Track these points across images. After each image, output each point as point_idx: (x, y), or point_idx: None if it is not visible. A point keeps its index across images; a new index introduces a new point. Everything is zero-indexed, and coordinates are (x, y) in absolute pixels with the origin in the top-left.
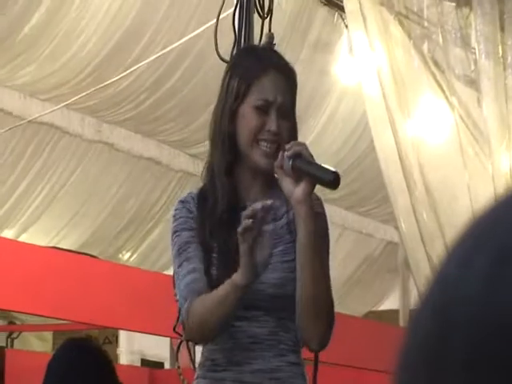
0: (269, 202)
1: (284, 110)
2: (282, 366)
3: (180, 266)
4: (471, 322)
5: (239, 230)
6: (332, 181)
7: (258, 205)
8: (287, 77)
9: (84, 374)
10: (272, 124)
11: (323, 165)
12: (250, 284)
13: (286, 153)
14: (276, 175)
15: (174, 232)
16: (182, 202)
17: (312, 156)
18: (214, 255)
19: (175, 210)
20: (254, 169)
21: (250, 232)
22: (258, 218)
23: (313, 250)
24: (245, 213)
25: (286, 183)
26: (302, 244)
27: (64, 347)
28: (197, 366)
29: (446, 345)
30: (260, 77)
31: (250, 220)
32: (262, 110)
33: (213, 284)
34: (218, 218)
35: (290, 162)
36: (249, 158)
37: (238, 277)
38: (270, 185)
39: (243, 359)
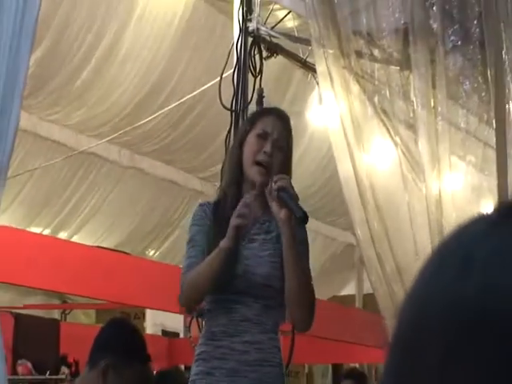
0: (247, 198)
1: (279, 144)
2: (264, 340)
3: (187, 250)
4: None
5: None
6: (301, 217)
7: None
8: (284, 122)
9: (123, 344)
10: (267, 147)
11: (299, 203)
12: (231, 247)
13: (273, 184)
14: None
15: (191, 225)
16: (200, 205)
17: (293, 187)
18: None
19: (195, 210)
20: (253, 185)
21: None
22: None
23: (293, 255)
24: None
25: (274, 207)
26: (286, 250)
27: (108, 324)
28: (200, 335)
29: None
30: (263, 116)
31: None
32: (262, 137)
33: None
34: (227, 222)
35: (276, 193)
36: (249, 176)
37: (222, 243)
38: (267, 205)
39: (236, 332)
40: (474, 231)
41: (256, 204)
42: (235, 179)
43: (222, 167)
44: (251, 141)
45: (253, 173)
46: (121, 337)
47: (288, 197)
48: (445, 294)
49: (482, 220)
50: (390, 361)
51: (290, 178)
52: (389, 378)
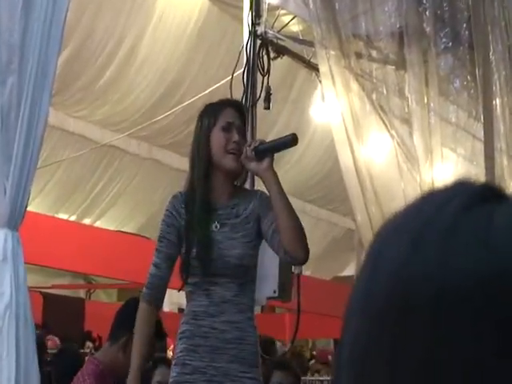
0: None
1: (240, 131)
2: (242, 320)
3: (156, 249)
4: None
5: None
6: (292, 139)
7: None
8: (240, 110)
9: None
10: (235, 137)
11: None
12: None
13: (248, 148)
14: (244, 164)
15: (162, 220)
16: (173, 197)
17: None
18: (194, 249)
19: (168, 202)
20: (226, 173)
21: None
22: None
23: (282, 195)
24: None
25: (252, 165)
26: (274, 193)
27: (127, 302)
28: (183, 315)
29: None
30: (222, 110)
31: None
32: (227, 129)
33: (194, 271)
34: (196, 214)
35: (253, 150)
36: (222, 166)
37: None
38: (234, 192)
39: (216, 312)
40: (443, 207)
41: (224, 191)
42: (205, 172)
43: (191, 161)
44: (218, 135)
45: (227, 161)
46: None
47: (268, 143)
48: (393, 265)
49: (454, 197)
50: (345, 332)
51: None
52: (342, 352)
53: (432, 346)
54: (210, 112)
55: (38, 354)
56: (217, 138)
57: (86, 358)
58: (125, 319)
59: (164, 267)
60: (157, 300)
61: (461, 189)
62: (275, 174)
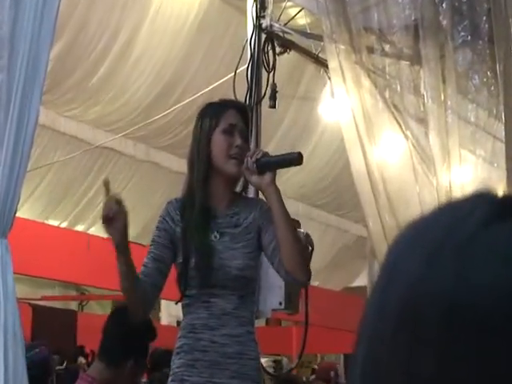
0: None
1: (243, 134)
2: (243, 333)
3: (148, 252)
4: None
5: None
6: (297, 157)
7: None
8: (243, 112)
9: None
10: (238, 141)
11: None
12: (118, 246)
13: (250, 159)
14: (245, 175)
15: (156, 225)
16: (168, 202)
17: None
18: (192, 259)
19: (162, 209)
20: (227, 179)
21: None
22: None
23: (284, 214)
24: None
25: (253, 178)
26: (276, 212)
27: (115, 312)
28: (180, 328)
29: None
30: (225, 112)
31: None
32: (229, 132)
33: (192, 282)
34: (194, 221)
35: (255, 162)
36: (223, 171)
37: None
38: (234, 199)
39: (216, 325)
40: (462, 220)
41: (224, 197)
42: (204, 175)
43: (189, 163)
44: (219, 138)
45: (228, 166)
46: (137, 333)
47: (272, 157)
48: (409, 279)
49: (475, 210)
50: (358, 346)
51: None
52: (355, 367)
53: (446, 362)
54: (211, 112)
55: (41, 376)
56: (218, 141)
57: (80, 375)
58: (121, 340)
59: (151, 267)
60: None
61: (480, 201)
62: (277, 190)
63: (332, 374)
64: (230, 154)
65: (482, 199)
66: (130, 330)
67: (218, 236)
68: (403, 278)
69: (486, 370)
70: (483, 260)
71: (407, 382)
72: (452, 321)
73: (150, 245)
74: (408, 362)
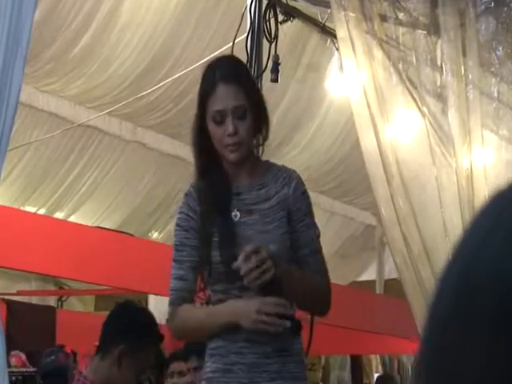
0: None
1: (239, 112)
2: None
3: (174, 261)
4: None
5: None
6: (296, 324)
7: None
8: (236, 84)
9: (136, 329)
10: (229, 128)
11: (287, 307)
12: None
13: (247, 279)
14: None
15: (176, 225)
16: (185, 195)
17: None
18: (215, 239)
19: (181, 203)
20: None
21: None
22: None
23: (297, 296)
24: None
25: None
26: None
27: (116, 309)
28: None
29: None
30: (211, 94)
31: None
32: (218, 120)
33: (215, 266)
34: (214, 205)
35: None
36: (224, 157)
37: (230, 316)
38: (256, 169)
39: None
40: None
41: (242, 176)
42: (211, 160)
43: (193, 147)
44: (211, 127)
45: (227, 155)
46: (133, 322)
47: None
48: (493, 261)
49: None
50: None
51: (268, 127)
52: (427, 349)
53: (497, 354)
54: (200, 97)
55: None
56: (211, 130)
57: (74, 377)
58: (116, 329)
59: (191, 278)
60: None
61: None
62: (284, 275)
63: None
64: (224, 144)
65: None
66: (129, 323)
67: (244, 215)
68: (458, 265)
69: None
70: None
71: (458, 374)
72: (502, 310)
73: (177, 249)
74: (459, 355)
